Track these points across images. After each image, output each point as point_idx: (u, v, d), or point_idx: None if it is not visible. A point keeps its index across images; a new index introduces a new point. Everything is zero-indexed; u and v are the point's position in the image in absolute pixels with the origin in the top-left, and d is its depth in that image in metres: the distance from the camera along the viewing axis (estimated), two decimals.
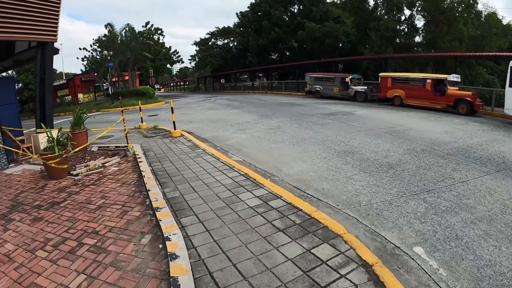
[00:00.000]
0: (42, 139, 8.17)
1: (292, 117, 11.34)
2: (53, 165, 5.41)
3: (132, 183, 4.88)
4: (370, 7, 24.16)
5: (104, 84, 34.64)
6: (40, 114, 8.14)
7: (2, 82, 7.84)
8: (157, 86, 69.30)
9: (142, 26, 36.39)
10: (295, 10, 31.93)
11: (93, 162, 6.32)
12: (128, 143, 7.22)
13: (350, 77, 17.51)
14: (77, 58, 79.69)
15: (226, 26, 40.08)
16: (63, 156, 5.52)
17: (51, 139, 5.62)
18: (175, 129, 8.73)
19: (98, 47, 31.67)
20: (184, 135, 8.66)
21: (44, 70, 8.02)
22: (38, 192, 4.86)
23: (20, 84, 29.28)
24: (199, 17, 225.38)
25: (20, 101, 33.58)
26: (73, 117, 7.70)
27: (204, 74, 48.01)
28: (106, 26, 30.02)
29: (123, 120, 7.29)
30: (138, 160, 6.06)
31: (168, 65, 50.47)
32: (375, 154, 6.07)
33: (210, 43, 42.66)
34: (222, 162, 5.72)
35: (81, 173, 5.68)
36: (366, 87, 16.70)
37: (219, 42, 42.58)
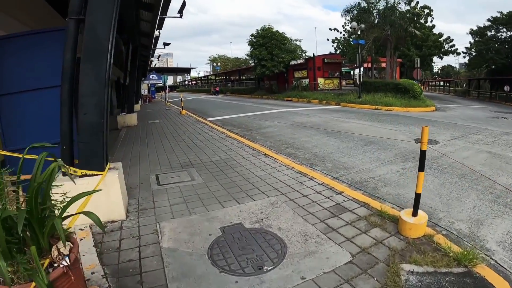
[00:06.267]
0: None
1: None
2: None
3: None
4: None
5: (353, 71, 27.62)
6: (67, 123, 3.14)
7: (35, 40, 3.72)
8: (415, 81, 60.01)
9: (405, 3, 26.53)
10: None
11: None
12: None
13: None
14: (327, 39, 69.30)
15: None
16: None
17: None
18: None
19: (348, 21, 23.83)
20: None
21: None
22: None
23: (256, 60, 27.47)
24: (460, 11, 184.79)
25: (256, 79, 33.72)
26: None
27: (475, 76, 33.70)
28: None
29: None
30: None
31: (436, 57, 39.34)
32: None
33: (490, 34, 29.41)
34: None
35: None
36: None
37: (504, 34, 29.15)
